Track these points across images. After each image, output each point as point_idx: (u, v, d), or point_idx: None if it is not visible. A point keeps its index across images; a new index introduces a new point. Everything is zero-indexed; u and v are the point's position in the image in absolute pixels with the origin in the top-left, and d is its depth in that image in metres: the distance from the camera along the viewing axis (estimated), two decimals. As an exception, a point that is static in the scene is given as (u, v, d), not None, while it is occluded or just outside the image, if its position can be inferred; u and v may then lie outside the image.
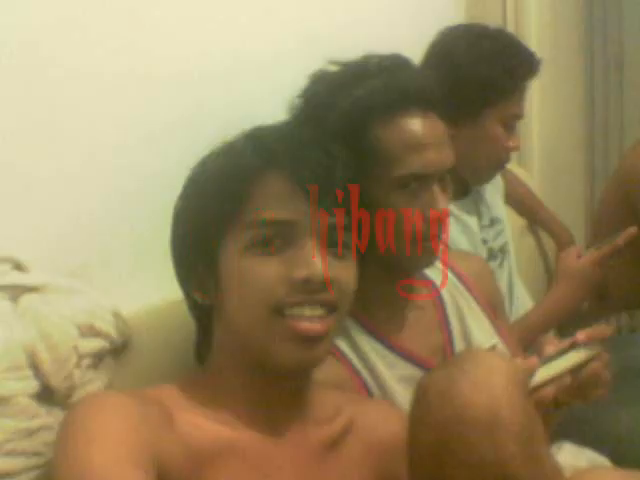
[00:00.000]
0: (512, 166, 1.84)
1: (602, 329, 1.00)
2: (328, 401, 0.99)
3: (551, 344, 0.98)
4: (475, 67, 1.49)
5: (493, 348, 1.18)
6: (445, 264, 1.24)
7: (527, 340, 1.47)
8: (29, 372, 0.93)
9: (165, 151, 1.20)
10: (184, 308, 1.00)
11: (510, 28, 2.14)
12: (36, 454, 0.91)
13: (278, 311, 0.88)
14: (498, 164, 1.60)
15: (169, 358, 1.07)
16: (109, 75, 1.13)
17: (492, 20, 1.97)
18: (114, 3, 1.14)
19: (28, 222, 1.04)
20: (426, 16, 1.85)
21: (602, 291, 1.78)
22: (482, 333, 1.21)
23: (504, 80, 1.50)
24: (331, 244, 0.91)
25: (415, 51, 1.40)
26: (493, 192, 1.72)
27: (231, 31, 1.32)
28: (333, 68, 1.11)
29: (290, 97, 1.11)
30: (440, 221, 1.09)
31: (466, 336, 1.19)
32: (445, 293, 1.21)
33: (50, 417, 0.93)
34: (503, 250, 1.68)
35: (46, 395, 0.94)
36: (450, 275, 1.24)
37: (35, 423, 0.92)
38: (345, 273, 0.92)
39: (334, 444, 0.97)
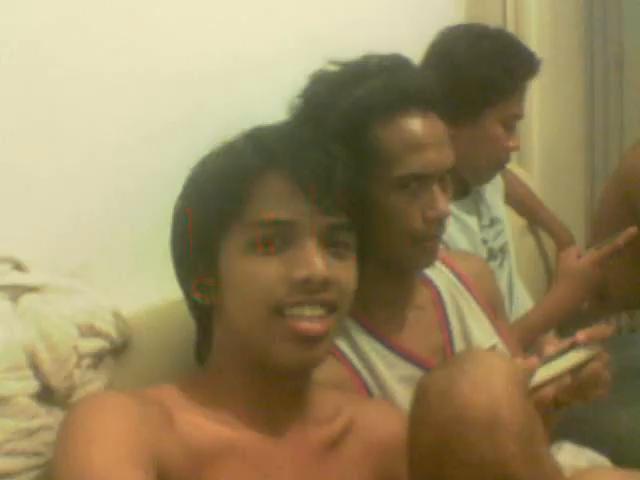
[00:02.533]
0: (512, 166, 1.84)
1: (602, 329, 1.00)
2: (328, 401, 0.99)
3: (551, 344, 0.98)
4: (475, 67, 1.49)
5: (493, 348, 1.18)
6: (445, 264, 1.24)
7: (527, 340, 1.47)
8: (29, 372, 0.93)
9: (165, 151, 1.20)
10: (184, 308, 1.00)
11: (510, 28, 2.14)
12: (36, 454, 0.91)
13: (278, 311, 0.88)
14: (498, 164, 1.60)
15: (169, 358, 1.07)
16: (109, 75, 1.13)
17: (492, 20, 1.97)
18: (114, 3, 1.14)
19: (28, 222, 1.04)
20: (426, 16, 1.85)
21: (602, 291, 1.77)
22: (482, 333, 1.21)
23: (504, 80, 1.50)
24: (331, 244, 0.91)
25: (415, 51, 1.40)
26: (493, 192, 1.72)
27: (231, 31, 1.32)
28: (333, 68, 1.11)
29: (290, 97, 1.11)
30: (440, 221, 1.09)
31: (466, 336, 1.19)
32: (445, 293, 1.21)
33: (50, 417, 0.93)
34: (503, 250, 1.68)
35: (46, 395, 0.94)
36: (450, 275, 1.24)
37: (35, 423, 0.92)
38: (345, 273, 0.92)
39: (334, 444, 0.97)
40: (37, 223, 1.05)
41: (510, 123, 1.55)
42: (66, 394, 0.96)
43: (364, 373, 1.10)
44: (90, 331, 1.00)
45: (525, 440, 0.81)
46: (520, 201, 1.94)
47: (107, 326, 1.02)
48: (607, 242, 1.51)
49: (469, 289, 1.24)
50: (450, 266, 1.24)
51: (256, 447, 0.91)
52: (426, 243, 1.09)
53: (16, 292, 0.97)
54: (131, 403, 0.84)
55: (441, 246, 1.16)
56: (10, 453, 0.89)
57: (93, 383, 0.99)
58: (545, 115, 2.25)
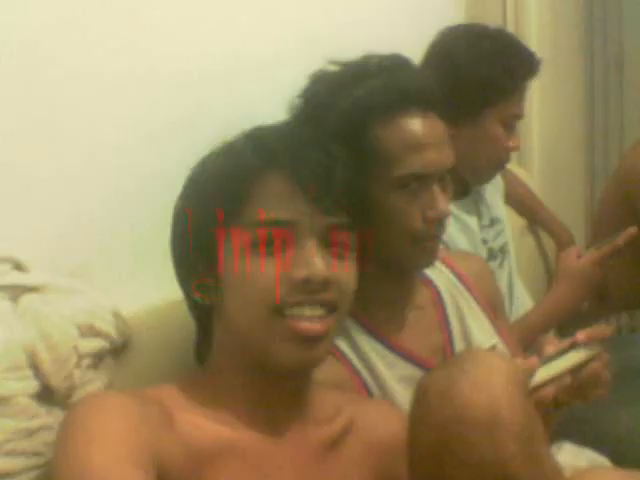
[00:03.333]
0: (512, 166, 1.84)
1: (602, 329, 1.00)
2: (328, 401, 0.99)
3: (551, 344, 0.98)
4: (475, 67, 1.49)
5: (493, 348, 1.18)
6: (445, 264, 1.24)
7: (527, 340, 1.47)
8: (29, 372, 0.93)
9: (165, 151, 1.20)
10: (184, 308, 1.00)
11: (510, 28, 2.14)
12: (36, 454, 0.91)
13: (278, 311, 0.88)
14: (498, 164, 1.60)
15: (169, 358, 1.07)
16: (109, 75, 1.13)
17: (492, 20, 1.97)
18: (114, 3, 1.14)
19: (28, 222, 1.04)
20: (426, 16, 1.85)
21: (602, 291, 1.78)
22: (482, 333, 1.21)
23: (504, 80, 1.50)
24: (331, 244, 0.91)
25: (415, 51, 1.40)
26: (493, 192, 1.72)
27: (231, 31, 1.32)
28: (333, 68, 1.11)
29: (290, 97, 1.11)
30: (440, 221, 1.09)
31: (466, 336, 1.19)
32: (445, 293, 1.21)
33: (50, 417, 0.93)
34: (503, 250, 1.68)
35: (46, 395, 0.94)
36: (450, 275, 1.24)
37: (35, 423, 0.92)
38: (345, 273, 0.92)
39: (334, 444, 0.97)
40: (37, 223, 1.05)
41: (510, 123, 1.55)
42: (66, 394, 0.96)
43: (364, 373, 1.10)
44: (90, 331, 1.00)
45: (525, 440, 0.81)
46: (520, 201, 1.94)
47: (107, 326, 1.02)
48: (607, 242, 1.51)
49: (469, 289, 1.24)
50: (450, 266, 1.24)
51: (256, 447, 0.91)
52: (426, 243, 1.09)
53: (16, 292, 0.97)
54: (131, 403, 0.84)
55: (441, 246, 1.16)
56: (10, 453, 0.89)
57: (93, 383, 0.99)
58: (545, 115, 2.25)
